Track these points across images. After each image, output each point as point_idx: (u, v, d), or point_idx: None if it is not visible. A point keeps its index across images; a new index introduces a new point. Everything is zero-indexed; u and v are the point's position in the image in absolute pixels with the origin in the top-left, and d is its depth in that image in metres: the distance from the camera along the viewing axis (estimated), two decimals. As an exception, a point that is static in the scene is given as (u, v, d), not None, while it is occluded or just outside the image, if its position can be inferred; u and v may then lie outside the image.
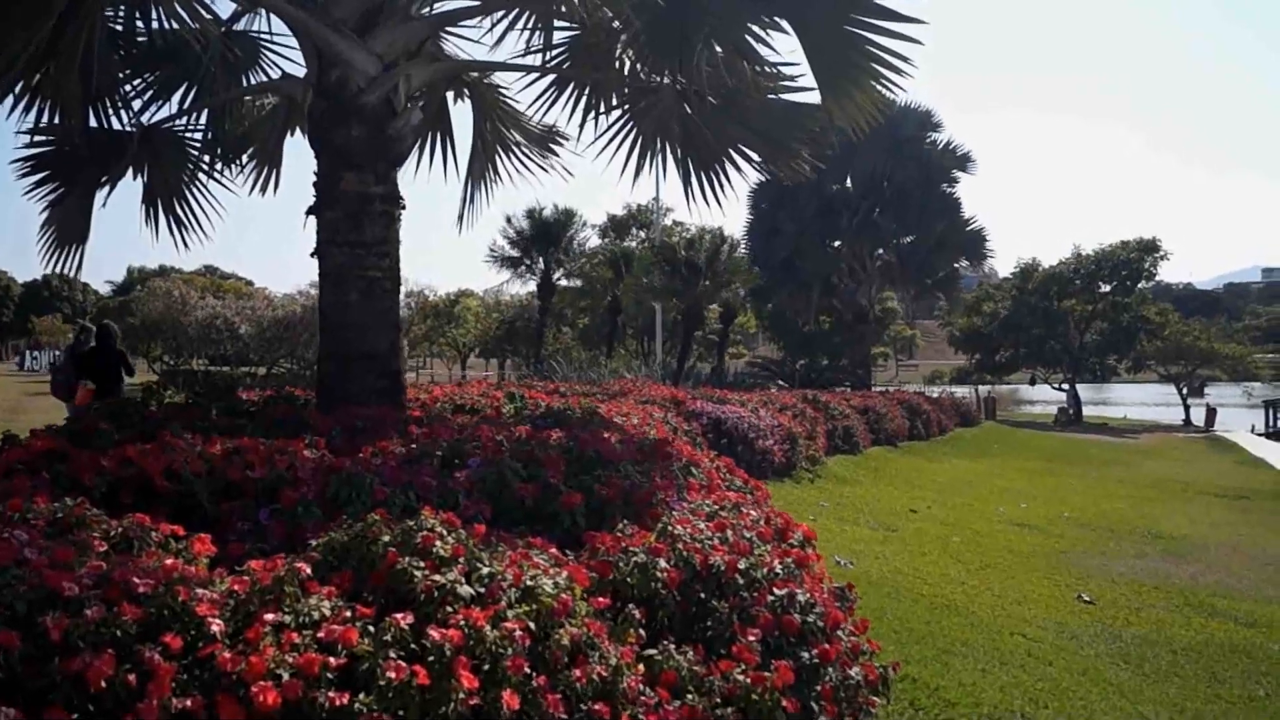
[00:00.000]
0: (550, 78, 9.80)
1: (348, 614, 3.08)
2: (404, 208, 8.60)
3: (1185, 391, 45.91)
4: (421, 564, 3.30)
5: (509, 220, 43.62)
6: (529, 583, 3.34)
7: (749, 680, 3.43)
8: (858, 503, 13.61)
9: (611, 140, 9.49)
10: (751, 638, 3.70)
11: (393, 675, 2.80)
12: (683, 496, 4.97)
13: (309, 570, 3.23)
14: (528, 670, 3.03)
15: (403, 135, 8.48)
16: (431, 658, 2.94)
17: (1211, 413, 40.57)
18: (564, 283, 47.12)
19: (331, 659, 2.86)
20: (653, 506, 4.62)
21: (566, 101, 9.97)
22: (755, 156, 9.28)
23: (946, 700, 5.47)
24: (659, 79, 9.15)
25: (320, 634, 2.95)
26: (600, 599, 3.57)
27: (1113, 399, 62.41)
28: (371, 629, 3.02)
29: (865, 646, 4.31)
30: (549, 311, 45.22)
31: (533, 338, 45.86)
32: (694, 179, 9.33)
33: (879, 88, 8.09)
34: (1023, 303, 45.57)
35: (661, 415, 12.26)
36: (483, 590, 3.29)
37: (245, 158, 11.02)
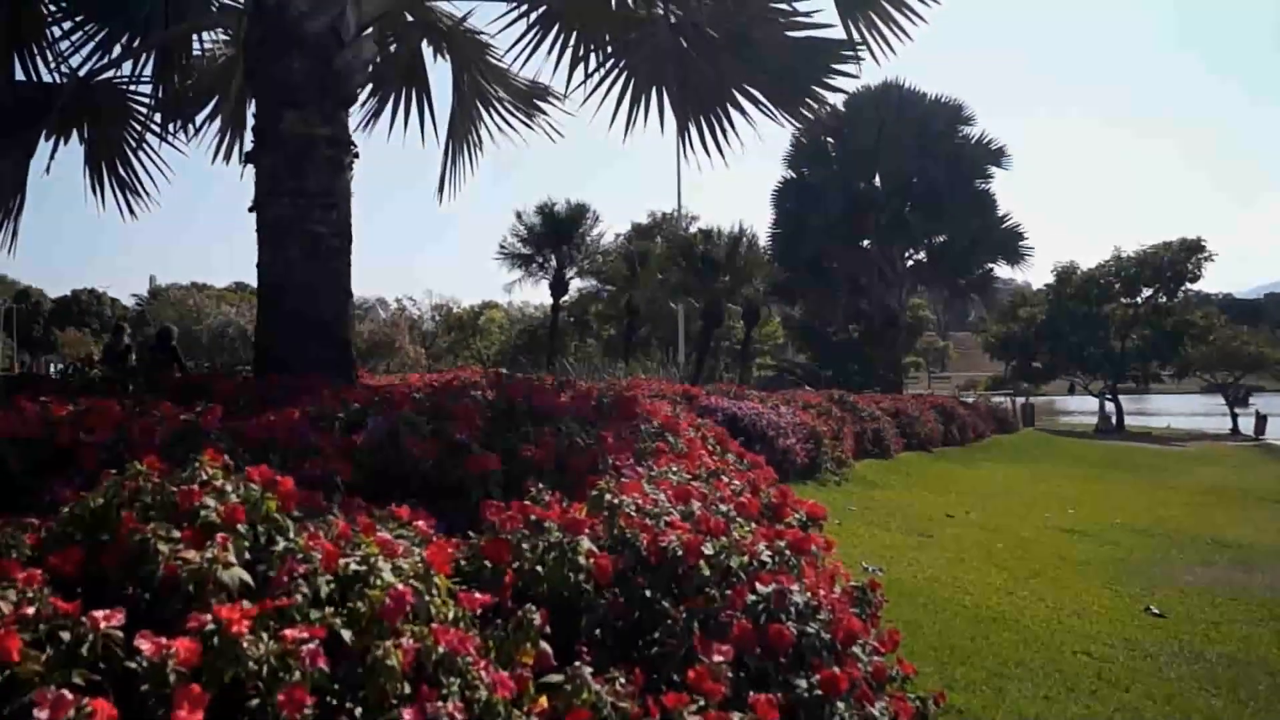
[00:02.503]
0: (535, 15, 8.56)
1: (30, 611, 1.85)
2: (356, 155, 7.48)
3: (1231, 400, 44.05)
4: (176, 534, 2.07)
5: (519, 216, 42.31)
6: (355, 566, 2.09)
7: (706, 724, 2.16)
8: (889, 507, 12.44)
9: (600, 84, 8.29)
10: (718, 657, 2.41)
11: (44, 717, 1.58)
12: (645, 464, 3.67)
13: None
14: (314, 709, 1.79)
15: (352, 70, 7.35)
16: (146, 686, 1.72)
17: (1262, 420, 38.81)
18: (578, 283, 45.93)
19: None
20: (597, 473, 3.35)
21: (553, 45, 8.74)
22: (763, 99, 8.03)
23: (1003, 739, 4.19)
24: (653, 7, 7.95)
25: (-43, 647, 1.73)
26: (481, 595, 2.31)
27: (1152, 409, 60.47)
28: (66, 635, 1.80)
29: (895, 670, 3.01)
30: (563, 309, 43.90)
31: (554, 343, 44.59)
32: (692, 126, 8.11)
33: (914, 3, 6.88)
34: (1061, 307, 43.71)
35: (671, 409, 11.03)
36: (273, 575, 2.06)
37: (202, 117, 9.92)
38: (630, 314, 40.17)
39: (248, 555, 2.12)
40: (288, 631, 1.85)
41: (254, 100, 7.29)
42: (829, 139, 37.05)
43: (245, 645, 1.79)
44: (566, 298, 46.32)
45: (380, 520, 2.52)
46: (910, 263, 37.37)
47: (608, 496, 2.93)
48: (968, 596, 7.51)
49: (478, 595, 2.26)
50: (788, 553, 3.01)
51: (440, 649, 2.01)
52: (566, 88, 8.86)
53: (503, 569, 2.52)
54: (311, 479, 2.94)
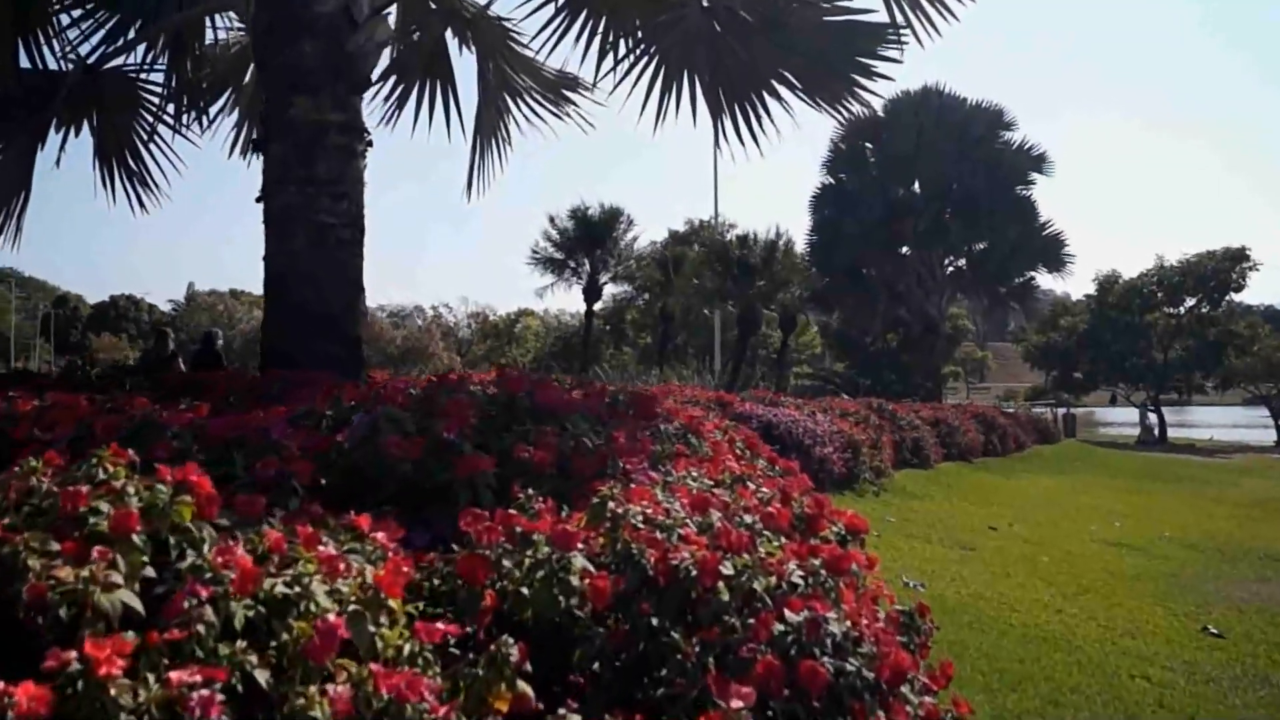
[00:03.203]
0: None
1: None
2: (370, 143, 7.12)
3: (1276, 411, 42.95)
4: (55, 546, 1.66)
5: (552, 220, 41.64)
6: (283, 589, 1.68)
7: (719, 790, 1.73)
8: (929, 519, 11.98)
9: (630, 71, 7.89)
10: (738, 702, 1.97)
11: None
12: (661, 468, 3.24)
13: None
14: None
15: (365, 53, 7.00)
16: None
17: (1307, 432, 37.84)
18: (612, 288, 45.46)
19: None
20: (604, 478, 2.92)
21: (580, 31, 8.32)
22: (799, 86, 7.60)
23: (1066, 784, 3.73)
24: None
25: None
26: (445, 624, 1.89)
27: (1194, 420, 59.35)
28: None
29: (949, 715, 2.54)
30: (598, 316, 43.37)
31: (587, 350, 44.08)
32: (725, 114, 7.69)
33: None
34: (1102, 316, 42.93)
35: (702, 415, 10.60)
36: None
37: (216, 109, 9.62)
38: (665, 321, 39.70)
39: (151, 573, 1.72)
40: (174, 674, 1.44)
41: (264, 86, 6.94)
42: (867, 144, 36.48)
43: (114, 691, 1.38)
44: (600, 304, 45.90)
45: (333, 531, 2.10)
46: (950, 270, 36.61)
47: (611, 505, 2.49)
48: (1015, 614, 7.06)
49: (439, 625, 1.84)
50: (823, 573, 2.55)
51: (383, 695, 1.59)
52: (595, 76, 8.46)
53: (480, 591, 2.10)
54: (265, 481, 2.54)
